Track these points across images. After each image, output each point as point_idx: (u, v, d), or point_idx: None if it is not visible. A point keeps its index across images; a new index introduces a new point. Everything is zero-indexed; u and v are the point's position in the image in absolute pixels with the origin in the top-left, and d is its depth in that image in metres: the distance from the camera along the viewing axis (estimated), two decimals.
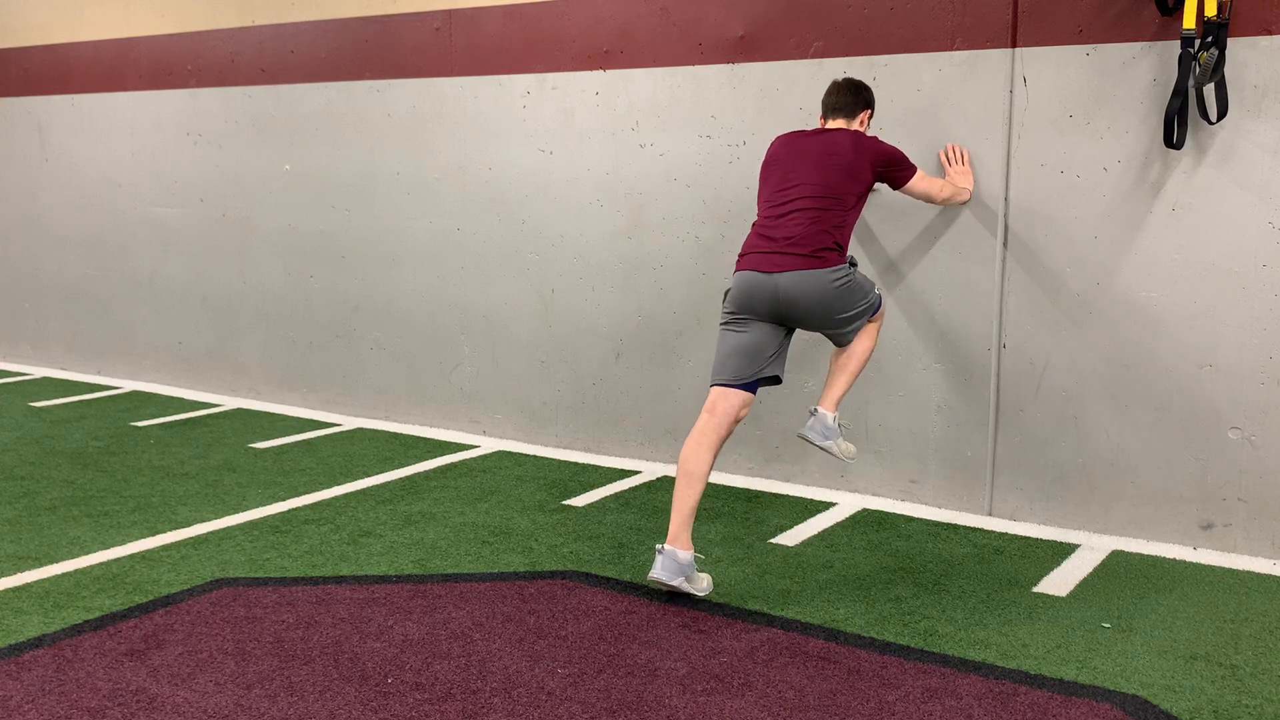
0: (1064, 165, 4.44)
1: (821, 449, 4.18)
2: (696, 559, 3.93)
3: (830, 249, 3.94)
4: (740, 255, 4.05)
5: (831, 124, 4.25)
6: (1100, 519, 4.52)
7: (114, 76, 7.29)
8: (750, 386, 3.97)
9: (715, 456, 3.92)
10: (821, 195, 3.97)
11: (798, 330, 4.09)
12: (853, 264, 4.06)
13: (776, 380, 4.03)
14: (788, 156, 4.10)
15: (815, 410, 4.18)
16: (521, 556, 4.26)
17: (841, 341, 4.13)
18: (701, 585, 3.88)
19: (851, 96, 4.24)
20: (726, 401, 3.94)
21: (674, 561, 3.81)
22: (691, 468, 3.88)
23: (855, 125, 4.23)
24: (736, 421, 3.96)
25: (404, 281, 6.26)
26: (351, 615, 3.69)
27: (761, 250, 3.97)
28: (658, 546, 3.86)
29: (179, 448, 5.86)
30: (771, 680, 3.24)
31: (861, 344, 4.14)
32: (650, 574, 3.84)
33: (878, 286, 4.24)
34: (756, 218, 4.11)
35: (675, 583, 3.81)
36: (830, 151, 4.04)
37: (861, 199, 4.08)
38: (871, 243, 4.85)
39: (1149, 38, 4.24)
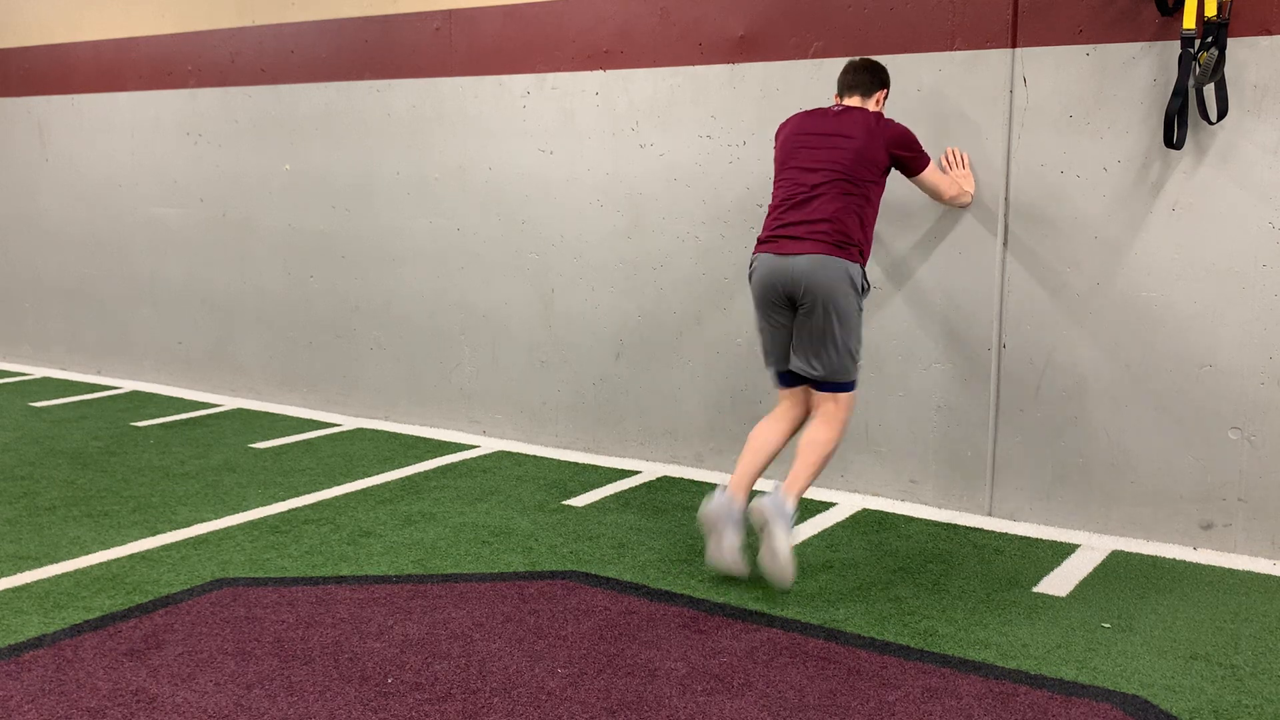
0: (1064, 165, 4.44)
1: (760, 526, 3.85)
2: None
3: (853, 243, 3.98)
4: (760, 239, 4.10)
5: (847, 101, 4.26)
6: (1100, 519, 4.52)
7: (114, 76, 7.29)
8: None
9: (787, 435, 4.11)
10: (839, 179, 3.99)
11: None
12: (865, 289, 4.04)
13: None
14: (806, 137, 4.11)
15: (777, 488, 3.93)
16: (521, 556, 4.26)
17: (810, 376, 4.01)
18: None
19: (868, 75, 4.25)
20: (794, 396, 4.14)
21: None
22: (751, 438, 4.08)
23: (871, 105, 4.24)
24: (810, 407, 4.12)
25: (404, 281, 6.26)
26: (351, 615, 3.69)
27: (782, 235, 4.02)
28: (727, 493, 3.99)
29: (179, 448, 5.86)
30: (771, 680, 3.24)
31: (825, 433, 4.00)
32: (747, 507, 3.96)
33: (860, 362, 4.14)
34: (773, 199, 4.13)
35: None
36: (845, 133, 4.05)
37: (879, 182, 4.09)
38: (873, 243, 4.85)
39: (1149, 38, 4.24)
